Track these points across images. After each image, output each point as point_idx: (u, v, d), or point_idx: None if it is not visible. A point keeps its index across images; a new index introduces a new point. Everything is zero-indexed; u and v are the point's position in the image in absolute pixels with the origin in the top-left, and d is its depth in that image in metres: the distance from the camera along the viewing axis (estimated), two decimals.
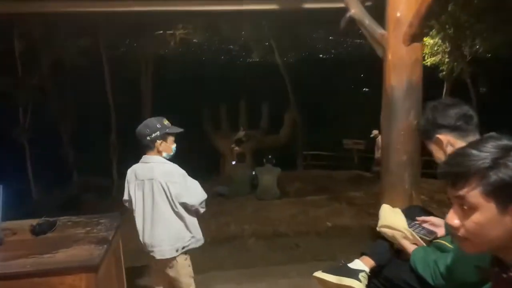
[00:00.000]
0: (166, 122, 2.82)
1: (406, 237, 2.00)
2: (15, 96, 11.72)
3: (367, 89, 30.68)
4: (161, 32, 14.55)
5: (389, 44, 3.17)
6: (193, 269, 3.00)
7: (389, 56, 3.19)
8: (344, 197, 7.14)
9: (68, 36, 11.88)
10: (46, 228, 2.23)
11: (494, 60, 9.87)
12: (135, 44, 15.07)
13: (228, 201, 7.69)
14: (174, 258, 2.83)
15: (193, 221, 2.88)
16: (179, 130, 2.87)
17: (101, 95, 13.37)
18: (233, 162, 9.76)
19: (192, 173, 2.94)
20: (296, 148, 16.32)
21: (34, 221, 2.34)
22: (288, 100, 16.90)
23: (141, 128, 2.79)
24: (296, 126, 17.06)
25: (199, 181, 2.97)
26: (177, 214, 2.80)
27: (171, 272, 2.91)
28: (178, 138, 2.90)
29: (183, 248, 2.83)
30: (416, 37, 3.06)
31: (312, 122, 18.49)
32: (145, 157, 2.85)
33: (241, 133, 18.10)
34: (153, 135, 2.76)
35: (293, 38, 16.06)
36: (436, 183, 7.18)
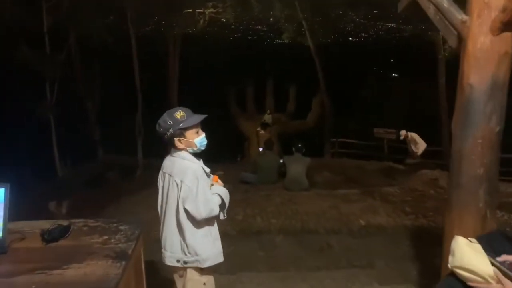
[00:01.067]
0: (179, 115, 2.45)
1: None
2: (42, 71, 11.63)
3: (396, 75, 29.70)
4: (190, 10, 14.18)
5: (471, 32, 2.61)
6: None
7: (470, 48, 2.63)
8: (378, 192, 6.72)
9: (96, 12, 11.66)
10: (58, 235, 1.95)
11: None
12: (163, 22, 14.72)
13: (255, 190, 7.38)
14: (183, 268, 2.54)
15: (196, 238, 2.48)
16: (198, 119, 2.49)
17: (128, 73, 13.17)
18: (260, 149, 9.41)
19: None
20: (324, 134, 15.78)
21: (46, 224, 2.06)
22: (317, 84, 16.34)
23: (157, 127, 2.52)
24: (324, 112, 16.54)
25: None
26: (179, 221, 2.49)
27: (179, 283, 2.64)
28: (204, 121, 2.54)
29: (185, 263, 2.52)
30: (509, 25, 2.46)
31: (341, 108, 17.88)
32: (172, 150, 2.59)
33: (267, 116, 17.76)
34: (168, 133, 2.46)
35: (325, 19, 15.41)
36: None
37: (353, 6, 15.58)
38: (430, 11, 2.84)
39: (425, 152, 11.11)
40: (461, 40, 2.73)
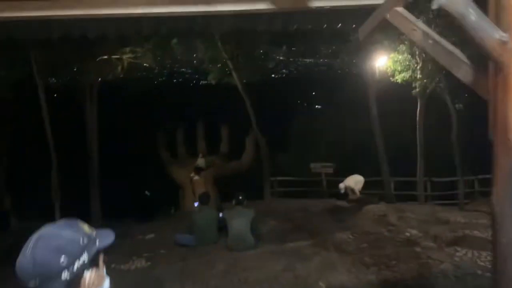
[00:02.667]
0: (86, 227, 1.32)
1: None
2: None
3: (322, 108, 30.42)
4: (106, 57, 13.15)
5: None
6: None
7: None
8: (331, 241, 6.08)
9: None
10: None
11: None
12: (76, 71, 13.51)
13: (193, 254, 6.42)
14: None
15: None
16: (112, 238, 1.37)
17: (39, 130, 11.74)
18: (196, 204, 8.45)
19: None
20: (262, 174, 15.16)
21: None
22: (248, 122, 15.84)
23: (41, 259, 1.20)
24: (259, 150, 16.00)
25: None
26: None
27: None
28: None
29: None
30: None
31: (275, 145, 17.48)
32: None
33: (200, 160, 16.84)
34: (76, 265, 1.23)
35: (249, 59, 15.14)
36: None
37: (274, 44, 15.54)
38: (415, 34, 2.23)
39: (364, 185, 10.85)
40: (498, 67, 2.05)
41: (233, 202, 6.67)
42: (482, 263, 4.92)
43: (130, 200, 16.67)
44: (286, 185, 15.09)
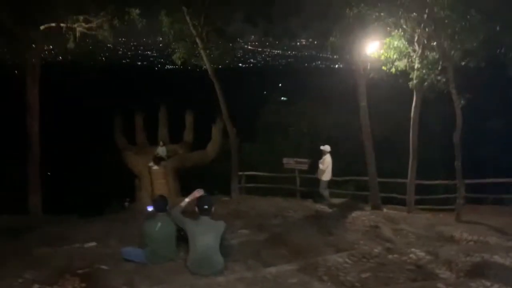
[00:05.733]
0: None
1: None
2: None
3: (285, 98, 29.43)
4: (53, 24, 11.19)
5: None
6: None
7: None
8: (324, 266, 4.73)
9: None
10: None
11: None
12: (15, 39, 11.44)
13: (142, 276, 4.93)
14: None
15: None
16: None
17: None
18: (149, 208, 6.79)
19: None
20: (229, 167, 13.70)
21: None
22: (216, 110, 14.33)
23: None
24: (227, 140, 14.51)
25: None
26: None
27: None
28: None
29: None
30: None
31: (245, 136, 16.07)
32: None
33: (160, 149, 15.23)
34: None
35: (220, 40, 13.56)
36: None
37: (250, 22, 14.00)
38: None
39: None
40: None
41: (196, 209, 5.14)
42: None
43: (76, 192, 14.80)
44: (255, 180, 13.75)
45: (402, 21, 8.02)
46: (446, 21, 7.54)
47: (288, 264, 4.87)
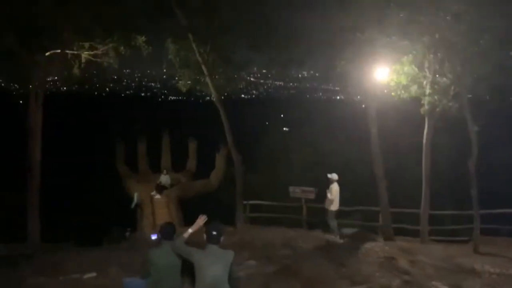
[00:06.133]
0: None
1: None
2: None
3: (287, 129, 29.43)
4: (58, 51, 11.14)
5: None
6: None
7: None
8: None
9: None
10: None
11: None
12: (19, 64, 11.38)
13: None
14: None
15: None
16: None
17: None
18: (153, 236, 6.46)
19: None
20: (233, 196, 13.35)
21: None
22: (220, 139, 14.14)
23: None
24: (232, 169, 14.21)
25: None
26: None
27: None
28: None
29: None
30: None
31: (248, 166, 15.81)
32: None
33: (163, 177, 14.96)
34: None
35: (224, 68, 13.51)
36: None
37: (255, 50, 13.97)
38: None
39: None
40: None
41: (205, 237, 4.80)
42: None
43: (77, 219, 14.46)
44: (259, 210, 13.36)
45: (412, 45, 7.91)
46: (459, 46, 7.43)
47: None
